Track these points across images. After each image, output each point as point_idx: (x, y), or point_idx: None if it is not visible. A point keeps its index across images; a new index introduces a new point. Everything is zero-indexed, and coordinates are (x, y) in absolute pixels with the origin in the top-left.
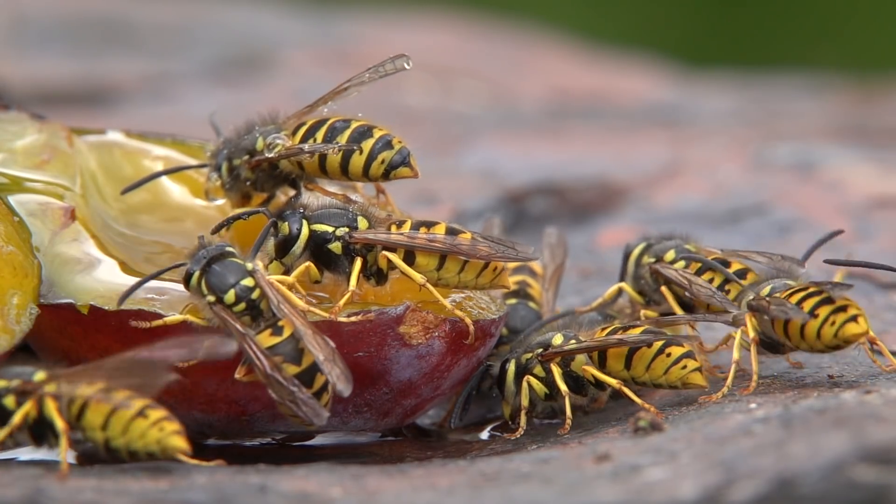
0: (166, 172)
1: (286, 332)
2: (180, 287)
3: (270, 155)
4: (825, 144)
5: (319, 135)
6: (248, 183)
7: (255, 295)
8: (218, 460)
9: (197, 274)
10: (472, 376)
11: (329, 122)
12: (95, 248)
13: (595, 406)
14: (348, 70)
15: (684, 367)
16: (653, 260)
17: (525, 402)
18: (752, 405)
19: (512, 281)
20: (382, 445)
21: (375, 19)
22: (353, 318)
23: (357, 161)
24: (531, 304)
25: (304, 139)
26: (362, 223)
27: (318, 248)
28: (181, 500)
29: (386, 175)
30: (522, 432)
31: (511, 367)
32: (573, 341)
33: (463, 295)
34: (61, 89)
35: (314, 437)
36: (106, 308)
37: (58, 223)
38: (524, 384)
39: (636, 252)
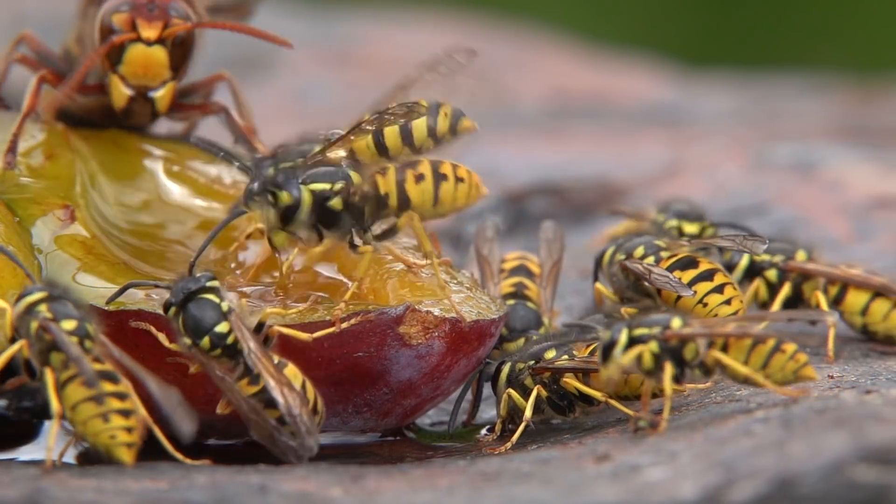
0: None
1: (262, 382)
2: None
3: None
4: (825, 144)
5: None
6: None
7: (230, 340)
8: (205, 459)
9: (174, 310)
10: (466, 382)
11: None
12: (95, 247)
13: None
14: (348, 70)
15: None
16: (623, 257)
17: (504, 411)
18: (752, 405)
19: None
20: (382, 445)
21: (375, 19)
22: (353, 319)
23: (420, 123)
24: (529, 305)
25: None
26: (355, 177)
27: (319, 209)
28: (181, 499)
29: (453, 130)
30: (510, 446)
31: (505, 371)
32: (566, 357)
33: (464, 295)
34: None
35: None
36: (106, 308)
37: (58, 223)
38: (504, 397)
39: (608, 254)
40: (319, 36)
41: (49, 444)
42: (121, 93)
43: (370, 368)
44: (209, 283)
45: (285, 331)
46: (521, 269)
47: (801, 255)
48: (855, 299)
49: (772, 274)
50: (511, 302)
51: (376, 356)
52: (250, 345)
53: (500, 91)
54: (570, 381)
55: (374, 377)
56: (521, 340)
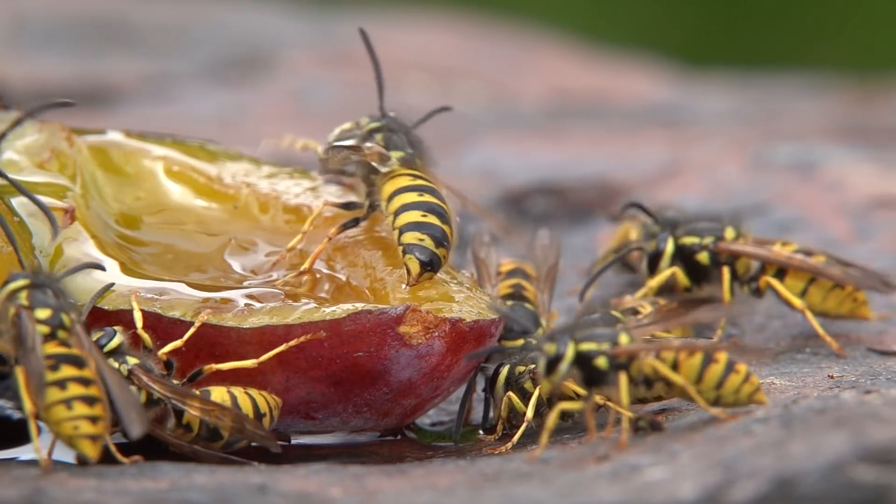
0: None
1: (196, 425)
2: (181, 287)
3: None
4: (825, 144)
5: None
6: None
7: (142, 399)
8: (136, 456)
9: None
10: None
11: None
12: (95, 248)
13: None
14: (348, 70)
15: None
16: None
17: (504, 413)
18: (752, 405)
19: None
20: (382, 445)
21: (375, 19)
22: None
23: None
24: (528, 306)
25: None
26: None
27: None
28: (181, 499)
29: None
30: (511, 446)
31: (503, 373)
32: None
33: (464, 295)
34: (61, 89)
35: (313, 437)
36: (106, 308)
37: (58, 223)
38: (505, 399)
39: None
40: (319, 36)
41: (34, 443)
42: None
43: (370, 368)
44: (108, 347)
45: (224, 366)
46: (518, 272)
47: (729, 234)
48: (794, 283)
49: (703, 257)
50: (509, 303)
51: (376, 356)
52: (166, 394)
53: (499, 91)
54: (570, 384)
55: (374, 377)
56: (520, 340)
